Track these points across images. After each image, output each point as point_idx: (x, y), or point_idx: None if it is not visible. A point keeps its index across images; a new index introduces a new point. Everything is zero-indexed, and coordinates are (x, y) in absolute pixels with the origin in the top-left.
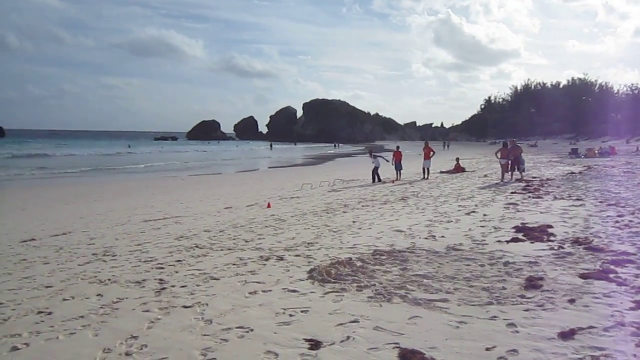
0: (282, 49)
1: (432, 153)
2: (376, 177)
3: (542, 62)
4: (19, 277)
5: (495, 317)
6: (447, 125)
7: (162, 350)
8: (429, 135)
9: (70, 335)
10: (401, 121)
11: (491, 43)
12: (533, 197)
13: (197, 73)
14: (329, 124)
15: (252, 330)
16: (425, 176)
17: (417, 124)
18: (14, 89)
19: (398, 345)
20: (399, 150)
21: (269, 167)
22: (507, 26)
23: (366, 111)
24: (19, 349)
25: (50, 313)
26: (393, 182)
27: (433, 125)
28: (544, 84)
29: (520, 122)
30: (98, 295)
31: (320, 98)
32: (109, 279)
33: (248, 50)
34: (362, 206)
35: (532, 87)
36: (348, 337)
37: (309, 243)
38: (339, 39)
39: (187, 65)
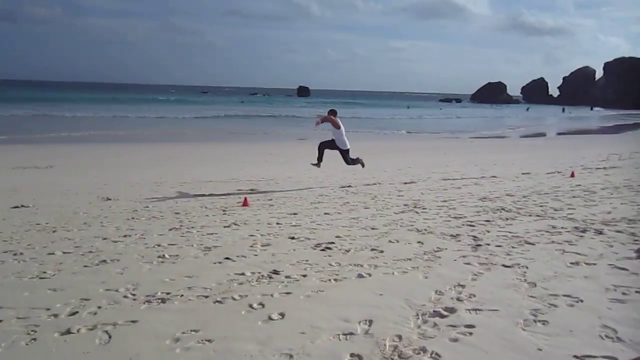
0: (578, 1)
1: None
2: None
3: None
4: (347, 217)
5: None
6: None
7: (490, 302)
8: None
9: (403, 274)
10: None
11: None
12: None
13: (481, 33)
14: (636, 87)
15: (582, 301)
16: None
17: None
18: (318, 54)
19: None
20: None
21: (559, 134)
22: None
23: None
24: (363, 277)
25: (382, 251)
26: None
27: None
28: None
29: None
30: (419, 242)
31: (626, 56)
32: (425, 229)
33: (538, 5)
34: None
35: None
36: None
37: (630, 220)
38: None
39: (471, 25)
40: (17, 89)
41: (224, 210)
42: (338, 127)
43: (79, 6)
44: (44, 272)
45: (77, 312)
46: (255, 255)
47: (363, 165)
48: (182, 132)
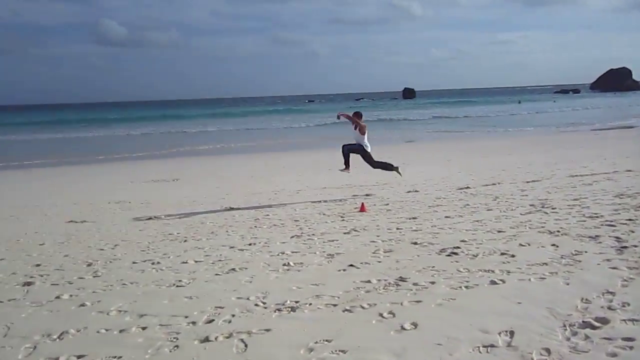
0: None
1: None
2: None
3: None
4: (470, 220)
5: None
6: None
7: None
8: None
9: (541, 280)
10: None
11: None
12: None
13: (598, 16)
14: None
15: None
16: None
17: None
18: (421, 54)
19: None
20: None
21: None
22: None
23: None
24: (496, 283)
25: (513, 256)
26: None
27: None
28: None
29: None
30: (553, 245)
31: None
32: (557, 231)
33: None
34: None
35: None
36: None
37: None
38: None
39: (586, 9)
40: (146, 108)
41: (342, 217)
42: (363, 133)
43: (193, 28)
44: (180, 281)
45: (213, 320)
46: (379, 262)
47: (399, 172)
48: (296, 141)
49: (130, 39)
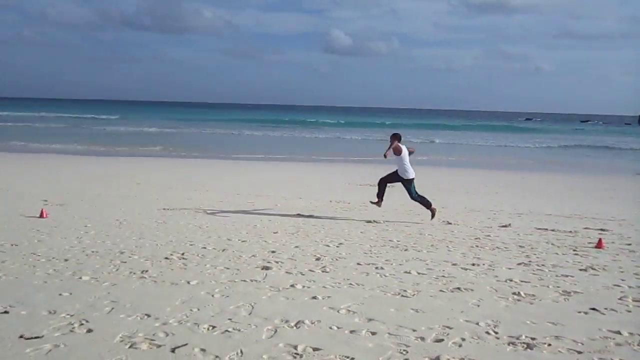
0: None
1: None
2: None
3: None
4: None
5: None
6: None
7: None
8: None
9: None
10: None
11: None
12: None
13: None
14: None
15: None
16: None
17: None
18: None
19: None
20: None
21: None
22: None
23: None
24: None
25: None
26: None
27: None
28: None
29: None
30: None
31: None
32: None
33: None
34: None
35: None
36: None
37: None
38: None
39: None
40: (361, 114)
41: (574, 250)
42: (398, 153)
43: (414, 38)
44: (405, 291)
45: (442, 339)
46: (629, 311)
47: (432, 214)
48: (514, 161)
49: (353, 48)
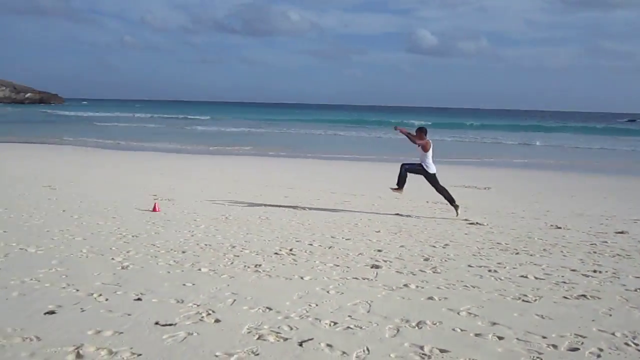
0: None
1: None
2: None
3: None
4: None
5: None
6: None
7: None
8: None
9: None
10: None
11: None
12: None
13: None
14: None
15: None
16: None
17: None
18: None
19: None
20: None
21: None
22: None
23: None
24: None
25: None
26: None
27: None
28: None
29: None
30: None
31: None
32: None
33: None
34: None
35: None
36: None
37: None
38: None
39: None
40: (448, 115)
41: None
42: (426, 151)
43: (504, 37)
44: (525, 295)
45: (577, 348)
46: None
47: (457, 212)
48: (616, 166)
49: (439, 48)
